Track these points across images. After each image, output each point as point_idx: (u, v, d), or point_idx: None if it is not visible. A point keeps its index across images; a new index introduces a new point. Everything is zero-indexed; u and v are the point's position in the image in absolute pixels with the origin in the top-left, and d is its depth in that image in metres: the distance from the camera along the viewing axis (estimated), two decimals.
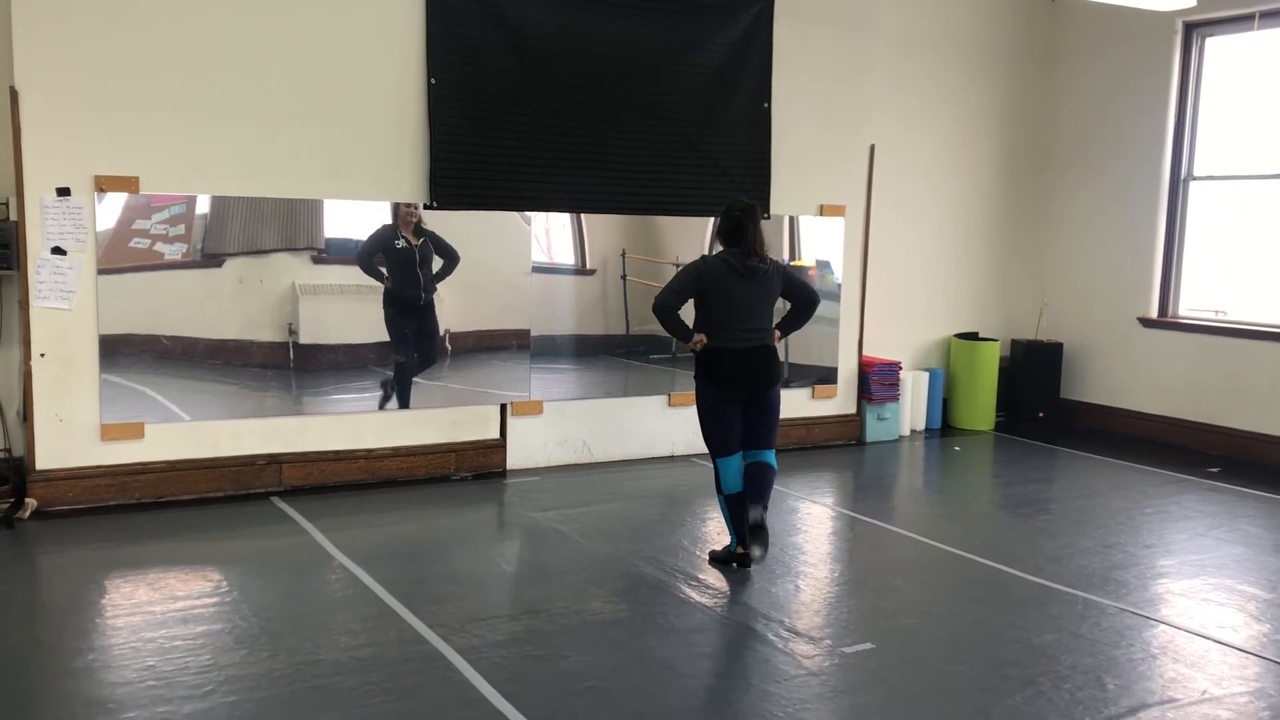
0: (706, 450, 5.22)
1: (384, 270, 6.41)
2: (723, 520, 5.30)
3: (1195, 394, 8.14)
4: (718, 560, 5.18)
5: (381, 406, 6.49)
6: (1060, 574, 5.13)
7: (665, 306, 4.99)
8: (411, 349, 6.56)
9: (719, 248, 5.15)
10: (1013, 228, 9.07)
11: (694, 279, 5.01)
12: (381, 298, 6.42)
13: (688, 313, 5.07)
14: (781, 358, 6.04)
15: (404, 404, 6.54)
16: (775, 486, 5.24)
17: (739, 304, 4.97)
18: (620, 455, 7.24)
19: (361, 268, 6.35)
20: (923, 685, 3.90)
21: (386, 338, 6.46)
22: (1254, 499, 6.67)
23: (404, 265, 6.46)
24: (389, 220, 6.39)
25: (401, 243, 6.43)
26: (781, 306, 5.24)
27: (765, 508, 5.00)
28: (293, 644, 4.09)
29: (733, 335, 4.98)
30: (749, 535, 4.95)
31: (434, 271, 6.54)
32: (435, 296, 6.56)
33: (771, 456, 5.13)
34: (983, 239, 8.93)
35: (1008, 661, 4.10)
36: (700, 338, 5.01)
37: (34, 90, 5.48)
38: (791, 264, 7.57)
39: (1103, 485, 6.99)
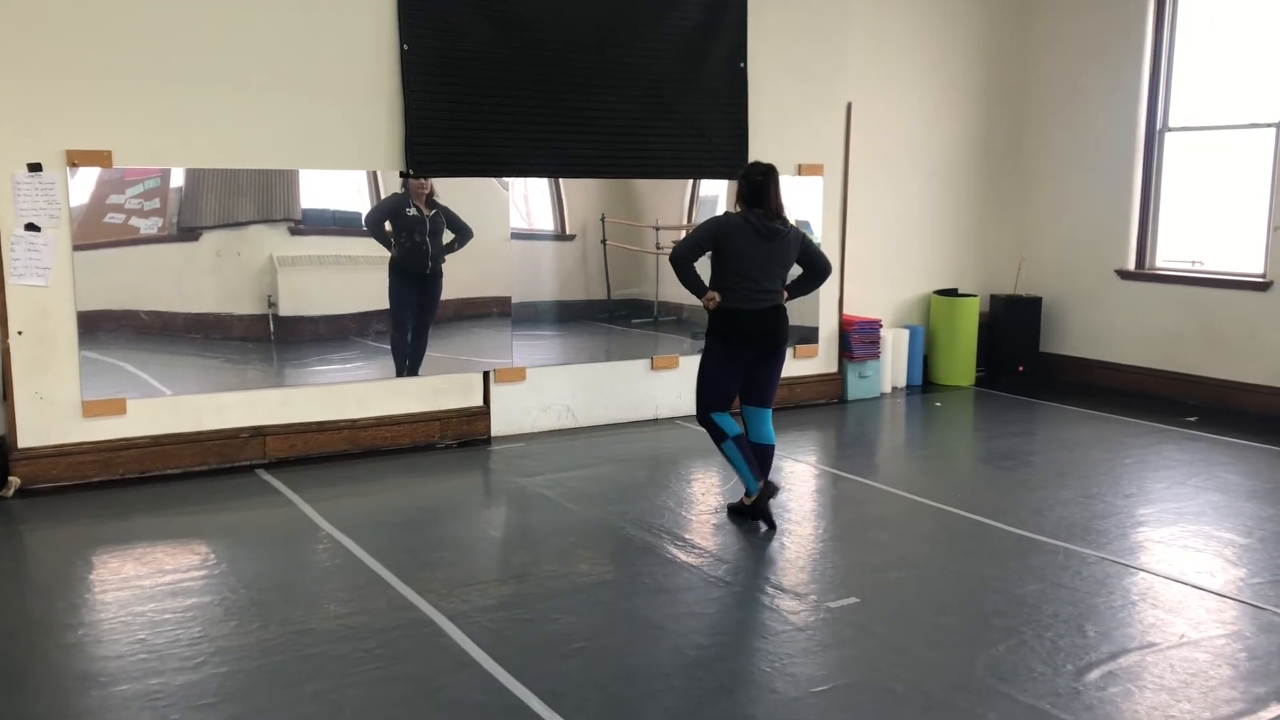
0: (695, 405, 5.22)
1: (391, 238, 6.43)
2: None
3: (1173, 344, 8.22)
4: (737, 512, 5.24)
5: (400, 374, 6.56)
6: (1042, 525, 5.20)
7: (680, 258, 5.00)
8: (407, 317, 6.54)
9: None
10: (990, 183, 9.08)
11: (712, 233, 5.02)
12: (387, 265, 6.44)
13: (701, 271, 5.08)
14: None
15: (413, 370, 6.57)
16: None
17: (756, 264, 4.98)
18: (604, 420, 7.26)
19: (370, 231, 6.35)
20: (908, 637, 3.95)
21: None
22: (1230, 447, 6.76)
23: (412, 232, 6.45)
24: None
25: (412, 210, 6.42)
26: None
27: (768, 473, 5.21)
28: (283, 614, 4.11)
29: (746, 295, 5.00)
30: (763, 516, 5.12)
31: (444, 244, 6.55)
32: (443, 268, 6.58)
33: (770, 426, 5.20)
34: (961, 195, 8.95)
35: (991, 612, 4.16)
36: (714, 295, 5.03)
37: (1, 63, 5.40)
38: None
39: (1083, 437, 7.06)
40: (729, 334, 5.05)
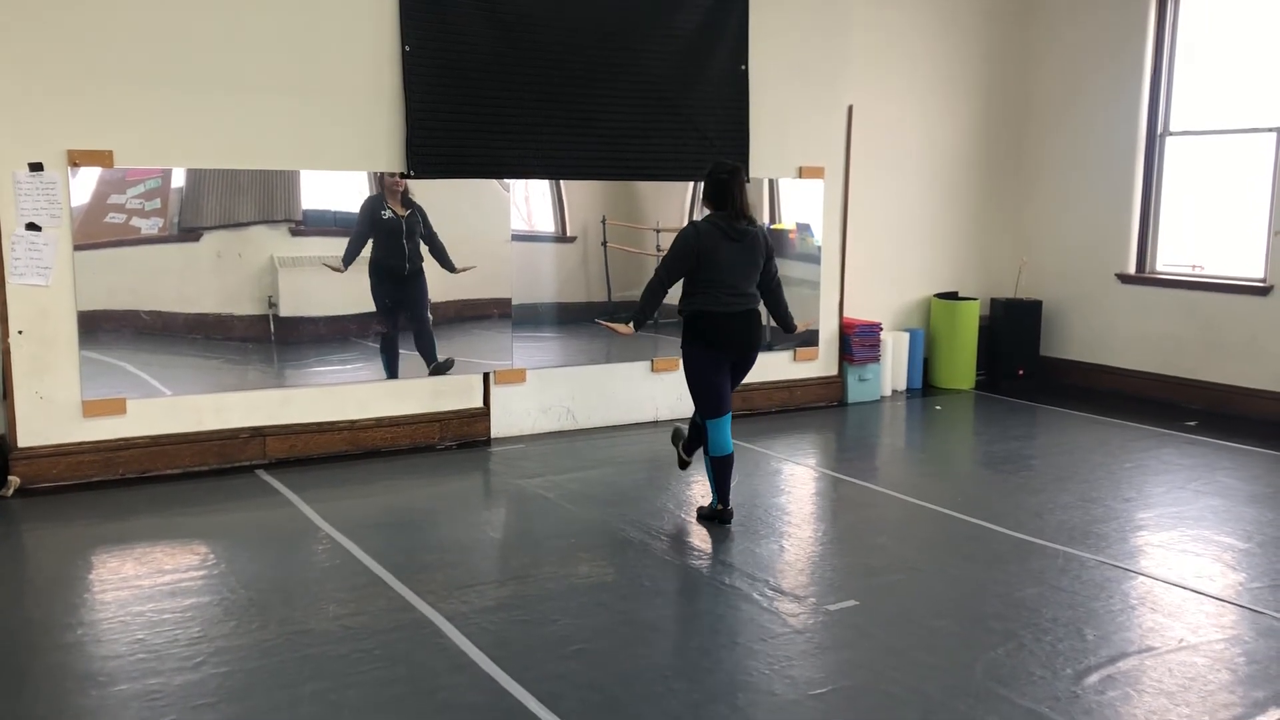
0: (696, 413, 5.25)
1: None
2: (706, 481, 5.34)
3: (1173, 349, 8.22)
4: (704, 517, 5.26)
5: (390, 376, 6.55)
6: (1041, 529, 5.20)
7: (661, 284, 5.02)
8: (395, 319, 6.55)
9: (700, 213, 5.18)
10: (991, 187, 9.09)
11: (690, 249, 4.97)
12: (367, 268, 6.42)
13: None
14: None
15: (392, 374, 6.54)
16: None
17: (728, 267, 4.97)
18: (604, 421, 7.27)
19: (353, 254, 6.33)
20: (907, 640, 3.95)
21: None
22: (1231, 451, 6.75)
23: (390, 236, 6.44)
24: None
25: (388, 213, 6.41)
26: None
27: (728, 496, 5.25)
28: (282, 614, 4.11)
29: (720, 299, 4.99)
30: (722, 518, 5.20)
31: (421, 247, 6.55)
32: (423, 266, 6.56)
33: (729, 433, 5.20)
34: (961, 198, 8.95)
35: (990, 615, 4.16)
36: (629, 329, 5.11)
37: (3, 63, 5.40)
38: (772, 227, 7.58)
39: (1083, 441, 7.06)
40: (704, 337, 5.03)
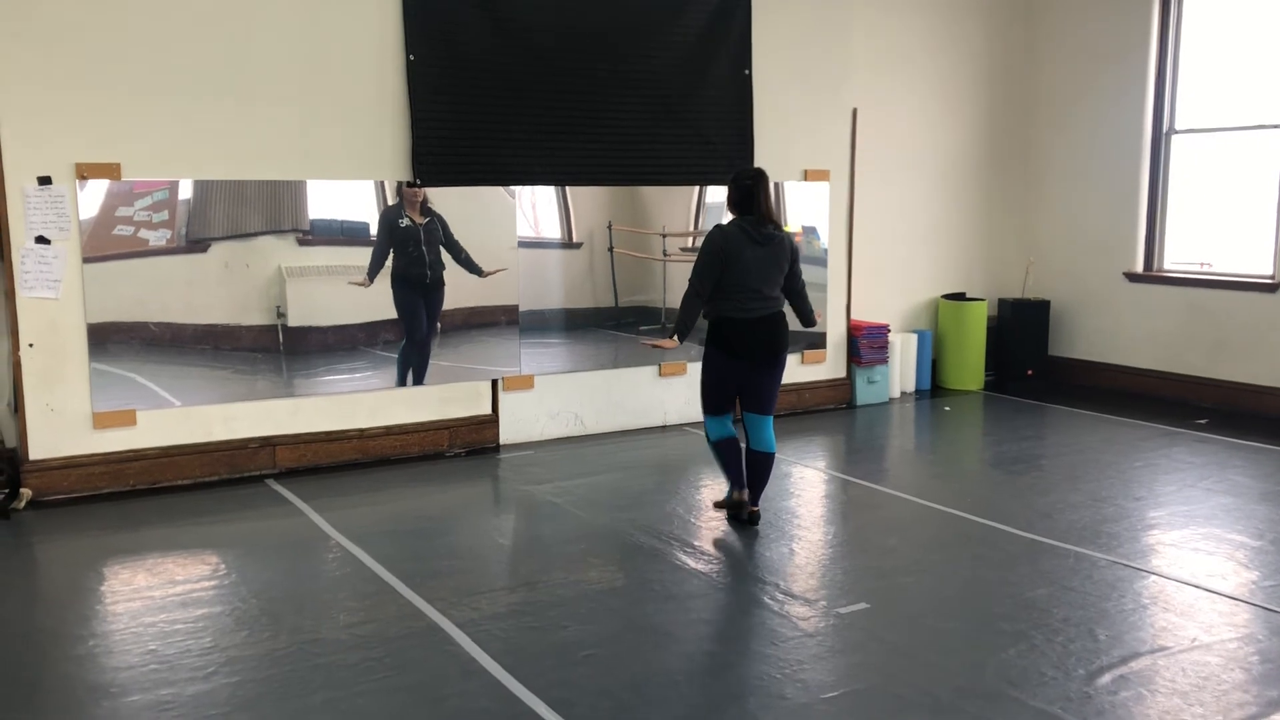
0: (701, 410, 5.32)
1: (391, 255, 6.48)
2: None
3: (1182, 347, 8.19)
4: (722, 507, 5.33)
5: (401, 384, 6.56)
6: (1052, 529, 5.18)
7: (698, 294, 5.00)
8: (419, 326, 6.57)
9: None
10: (997, 187, 9.07)
11: (719, 251, 4.96)
12: (390, 277, 6.45)
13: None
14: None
15: (418, 380, 6.58)
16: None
17: (752, 272, 4.98)
18: (613, 427, 7.27)
19: (377, 267, 6.37)
20: (918, 643, 3.95)
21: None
22: (1241, 449, 6.73)
23: (410, 244, 6.47)
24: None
25: (406, 221, 6.43)
26: None
27: (759, 497, 5.29)
28: (293, 624, 4.12)
29: (742, 306, 5.00)
30: (744, 520, 5.24)
31: (442, 255, 6.58)
32: (444, 275, 6.59)
33: (770, 433, 5.19)
34: (967, 199, 8.94)
35: (1001, 616, 4.15)
36: (674, 342, 5.07)
37: (11, 78, 5.43)
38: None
39: (1092, 440, 7.04)
40: (726, 343, 5.06)
